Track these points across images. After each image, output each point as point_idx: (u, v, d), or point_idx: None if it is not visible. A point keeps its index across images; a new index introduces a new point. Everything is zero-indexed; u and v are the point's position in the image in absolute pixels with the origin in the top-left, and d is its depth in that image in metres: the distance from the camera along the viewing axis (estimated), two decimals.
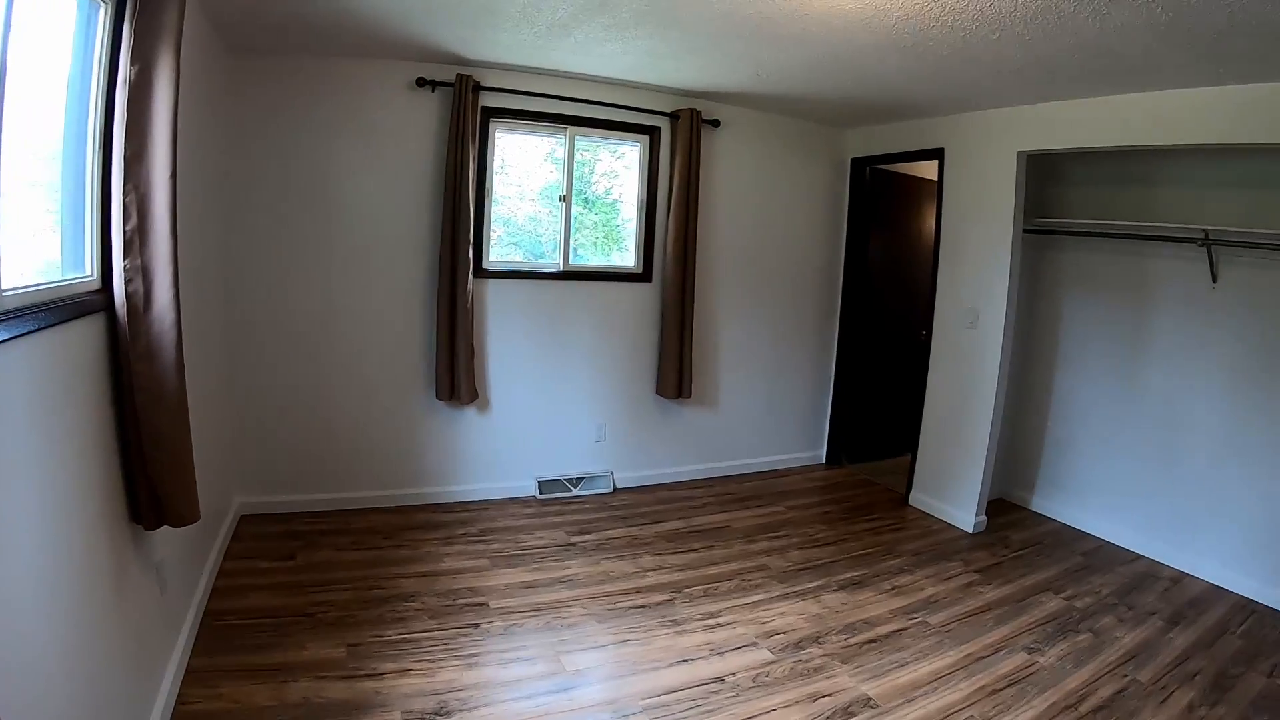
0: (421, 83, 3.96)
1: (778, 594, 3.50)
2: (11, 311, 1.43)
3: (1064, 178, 4.70)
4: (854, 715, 2.56)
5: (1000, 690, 2.79)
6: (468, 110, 3.94)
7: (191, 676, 2.51)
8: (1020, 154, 4.22)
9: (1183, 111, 3.45)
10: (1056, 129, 4.01)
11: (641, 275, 4.83)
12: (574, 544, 3.94)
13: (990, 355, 4.41)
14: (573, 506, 4.49)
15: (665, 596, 3.41)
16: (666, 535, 4.15)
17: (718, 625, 3.17)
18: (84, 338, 1.80)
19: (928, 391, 4.86)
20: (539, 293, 4.51)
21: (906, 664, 2.94)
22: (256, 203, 3.80)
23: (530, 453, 4.61)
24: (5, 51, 1.38)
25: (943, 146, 4.72)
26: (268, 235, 3.85)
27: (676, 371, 4.81)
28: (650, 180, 4.75)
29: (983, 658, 3.03)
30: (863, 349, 5.66)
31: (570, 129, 4.45)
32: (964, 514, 4.55)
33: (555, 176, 4.55)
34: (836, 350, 5.72)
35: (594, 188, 4.75)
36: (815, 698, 2.66)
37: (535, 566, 3.63)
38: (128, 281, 1.86)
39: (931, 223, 5.25)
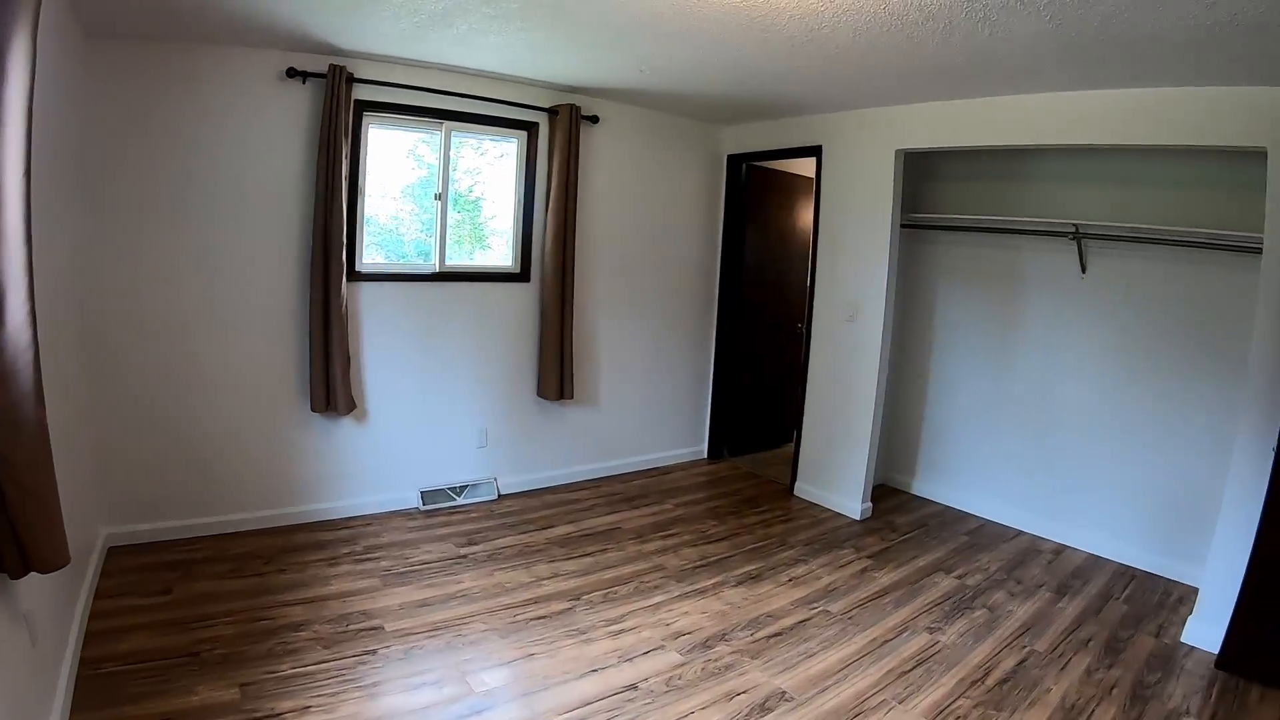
0: (292, 73, 3.69)
1: (678, 594, 3.54)
2: None
3: (940, 174, 4.96)
4: (771, 710, 2.63)
5: (908, 671, 2.95)
6: (341, 103, 3.70)
7: None
8: (899, 152, 4.41)
9: (1058, 113, 3.70)
10: (936, 128, 4.21)
11: (520, 275, 4.73)
12: (464, 556, 3.81)
13: (870, 346, 4.60)
14: (459, 516, 4.34)
15: (565, 605, 3.36)
16: (558, 540, 4.10)
17: (623, 630, 3.16)
18: None
19: (809, 383, 5.02)
20: (415, 295, 4.32)
21: (815, 654, 3.05)
22: (116, 204, 3.41)
23: (412, 462, 4.41)
24: None
25: (821, 144, 4.86)
26: (128, 239, 3.47)
27: (557, 372, 4.75)
28: (528, 178, 4.66)
29: (887, 641, 3.19)
30: (740, 343, 5.80)
31: (447, 124, 4.29)
32: (850, 501, 4.75)
33: (421, 174, 4.37)
34: (715, 345, 5.83)
35: (457, 185, 4.58)
36: (731, 696, 2.71)
37: (427, 583, 3.48)
38: None
39: (808, 218, 5.44)
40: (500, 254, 4.75)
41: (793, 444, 5.21)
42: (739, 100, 4.62)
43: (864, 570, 3.93)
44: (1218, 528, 3.26)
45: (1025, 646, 3.20)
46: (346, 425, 4.15)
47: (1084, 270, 4.30)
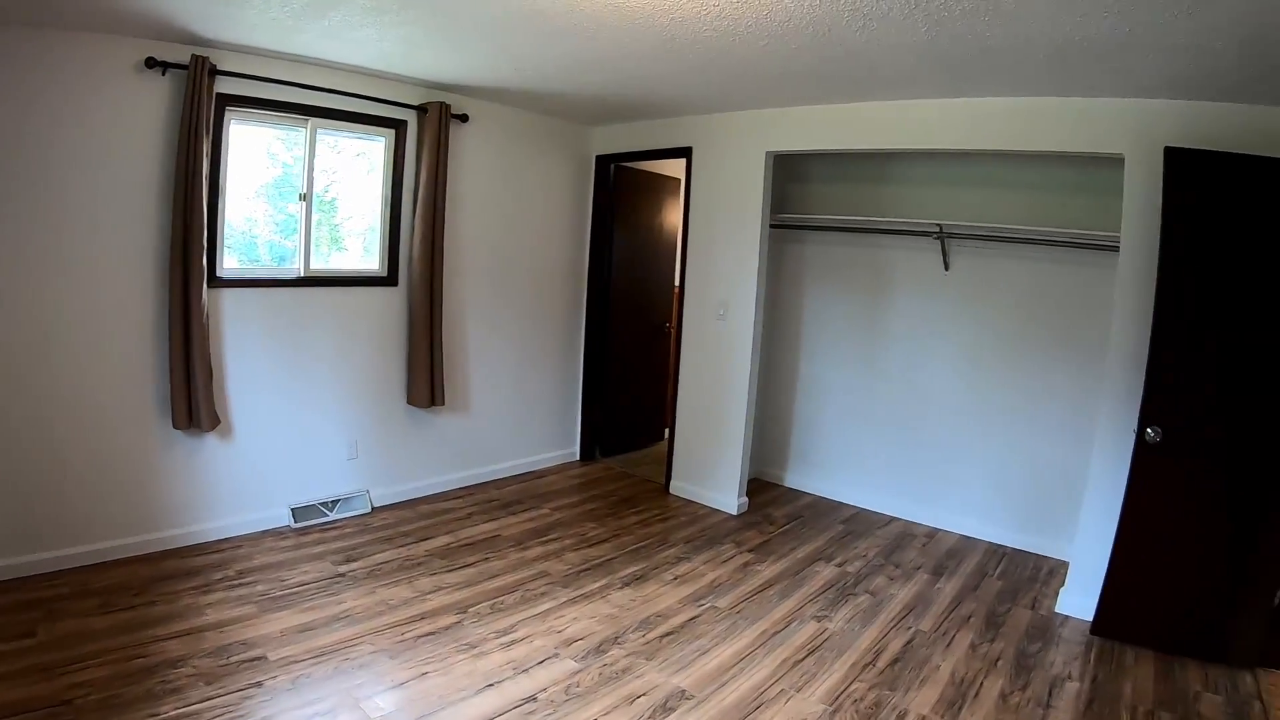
0: (152, 63, 3.40)
1: (565, 599, 3.59)
2: None
3: (809, 175, 5.22)
4: (674, 709, 2.74)
5: (801, 660, 3.14)
6: (202, 96, 3.46)
7: None
8: (769, 154, 4.61)
9: (927, 119, 3.94)
10: (807, 131, 4.41)
11: (387, 279, 4.61)
12: (343, 574, 3.70)
13: (741, 344, 4.79)
14: (333, 533, 4.19)
15: (453, 619, 3.34)
16: (438, 552, 4.05)
17: (514, 641, 3.18)
18: None
19: (680, 382, 5.17)
20: (279, 302, 4.11)
21: (708, 650, 3.18)
22: None
23: (281, 478, 4.20)
24: None
25: (691, 145, 4.99)
26: None
27: (428, 378, 4.67)
28: (396, 177, 4.54)
29: (777, 632, 3.37)
30: (609, 343, 5.88)
31: (312, 121, 4.10)
32: (726, 497, 4.94)
33: (275, 172, 4.16)
34: (584, 346, 5.89)
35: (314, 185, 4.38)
36: (631, 699, 2.80)
37: (308, 606, 3.35)
38: None
39: (676, 218, 5.58)
40: (358, 256, 4.60)
41: (665, 442, 5.34)
42: (611, 100, 4.64)
43: (746, 564, 4.13)
44: (1084, 504, 3.62)
45: (910, 627, 3.48)
46: (211, 442, 3.89)
47: (947, 268, 4.68)
